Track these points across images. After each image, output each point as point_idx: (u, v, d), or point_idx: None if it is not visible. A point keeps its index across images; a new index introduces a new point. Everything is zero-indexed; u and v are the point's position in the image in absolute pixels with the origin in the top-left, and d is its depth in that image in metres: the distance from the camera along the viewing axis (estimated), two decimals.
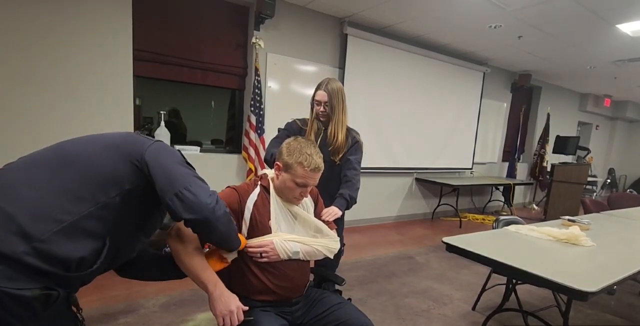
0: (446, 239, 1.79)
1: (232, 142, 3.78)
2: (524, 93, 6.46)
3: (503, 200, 5.98)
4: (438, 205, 5.21)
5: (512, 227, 2.11)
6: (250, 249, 1.20)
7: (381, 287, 2.62)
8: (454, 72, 5.11)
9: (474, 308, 2.36)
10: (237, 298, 1.06)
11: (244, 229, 1.23)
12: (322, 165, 1.25)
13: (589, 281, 1.31)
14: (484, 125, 5.80)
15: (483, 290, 2.35)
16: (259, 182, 1.33)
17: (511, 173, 6.18)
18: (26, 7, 2.46)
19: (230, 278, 1.24)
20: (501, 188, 5.90)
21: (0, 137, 2.46)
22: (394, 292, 2.55)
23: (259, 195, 1.28)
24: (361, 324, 1.24)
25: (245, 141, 3.48)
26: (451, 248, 1.78)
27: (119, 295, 2.23)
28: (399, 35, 4.43)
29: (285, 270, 1.24)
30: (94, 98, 2.76)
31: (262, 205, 1.27)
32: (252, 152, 3.44)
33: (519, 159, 6.32)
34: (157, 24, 3.10)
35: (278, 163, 1.26)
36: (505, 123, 6.26)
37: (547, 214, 5.20)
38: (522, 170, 6.71)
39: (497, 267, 1.59)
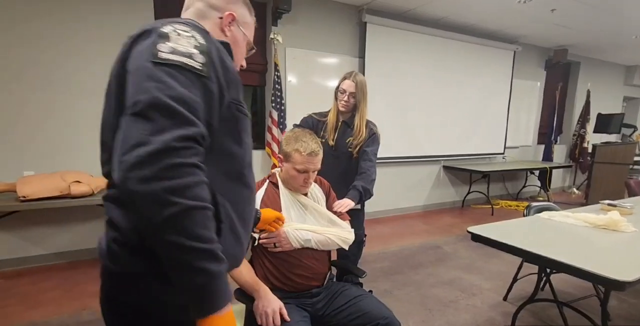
0: (471, 228, 1.74)
1: (256, 138, 3.85)
2: (560, 70, 6.04)
3: (539, 185, 5.68)
4: (468, 193, 5.05)
5: (544, 214, 2.01)
6: (263, 240, 1.26)
7: (407, 278, 2.60)
8: (481, 52, 4.86)
9: (505, 299, 2.29)
10: (279, 302, 1.16)
11: None
12: (318, 149, 1.29)
13: (628, 270, 1.23)
14: (516, 106, 5.49)
15: (514, 279, 2.27)
16: (267, 180, 1.40)
17: (548, 156, 5.83)
18: (52, 15, 2.61)
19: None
20: (537, 172, 5.61)
21: (28, 135, 2.64)
22: (420, 283, 2.52)
23: (266, 190, 1.35)
24: (382, 316, 1.24)
25: (268, 137, 3.54)
26: (477, 238, 1.73)
27: None
28: (420, 19, 4.27)
29: (301, 259, 1.29)
30: None
31: (272, 198, 1.33)
32: (275, 147, 3.49)
33: (556, 141, 5.95)
34: None
35: (279, 155, 1.33)
36: (539, 104, 5.90)
37: (588, 198, 4.90)
38: (560, 153, 6.33)
39: (526, 256, 1.53)
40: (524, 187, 5.78)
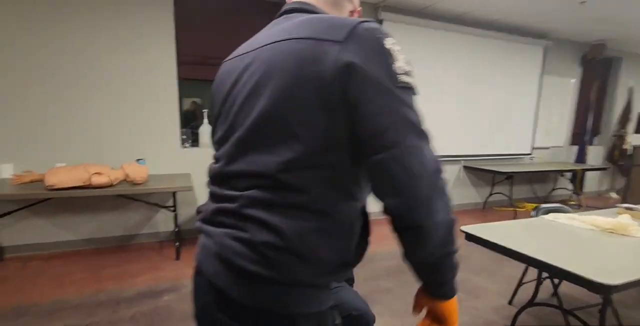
0: (465, 228, 1.71)
1: None
2: (598, 67, 5.64)
3: (572, 188, 5.36)
4: (490, 194, 4.86)
5: (549, 216, 1.92)
6: None
7: (411, 277, 2.54)
8: (506, 48, 4.66)
9: (510, 302, 2.21)
10: None
11: None
12: None
13: (621, 274, 1.17)
14: (547, 105, 5.21)
15: (520, 283, 2.19)
16: None
17: (581, 157, 5.48)
18: (83, 21, 2.85)
19: None
20: (569, 175, 5.29)
21: (61, 130, 2.91)
22: None
23: None
24: (355, 307, 1.26)
25: None
26: (470, 238, 1.70)
27: (168, 275, 2.54)
28: (440, 15, 4.18)
29: None
30: (143, 101, 3.10)
31: None
32: None
33: (591, 142, 5.56)
34: (198, 28, 3.32)
35: None
36: (573, 102, 5.55)
37: (626, 203, 4.55)
38: (597, 154, 5.91)
39: (516, 257, 1.48)
40: (553, 189, 5.47)
